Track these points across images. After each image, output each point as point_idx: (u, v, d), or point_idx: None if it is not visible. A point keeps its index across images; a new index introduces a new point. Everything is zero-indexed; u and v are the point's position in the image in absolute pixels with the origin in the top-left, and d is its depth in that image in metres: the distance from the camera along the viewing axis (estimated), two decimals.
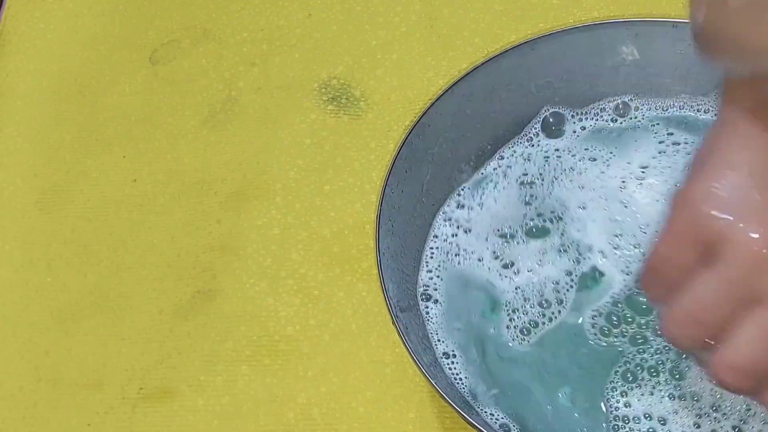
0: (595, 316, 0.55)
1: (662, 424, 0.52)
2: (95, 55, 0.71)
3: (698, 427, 0.51)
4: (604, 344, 0.54)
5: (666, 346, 0.53)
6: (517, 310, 0.56)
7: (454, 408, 0.49)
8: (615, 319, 0.55)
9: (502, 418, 0.52)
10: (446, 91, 0.59)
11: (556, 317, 0.56)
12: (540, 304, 0.56)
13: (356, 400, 0.58)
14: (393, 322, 0.52)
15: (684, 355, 0.53)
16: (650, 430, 0.51)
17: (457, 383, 0.54)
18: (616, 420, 0.52)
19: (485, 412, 0.52)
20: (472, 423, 0.49)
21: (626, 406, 0.52)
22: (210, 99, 0.69)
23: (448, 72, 0.68)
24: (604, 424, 0.52)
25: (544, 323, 0.55)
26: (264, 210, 0.64)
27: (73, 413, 0.58)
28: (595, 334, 0.55)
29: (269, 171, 0.66)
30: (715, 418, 0.51)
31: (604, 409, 0.52)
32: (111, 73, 0.71)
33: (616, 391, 0.53)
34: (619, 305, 0.55)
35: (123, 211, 0.65)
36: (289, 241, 0.63)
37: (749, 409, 0.51)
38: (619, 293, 0.55)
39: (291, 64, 0.70)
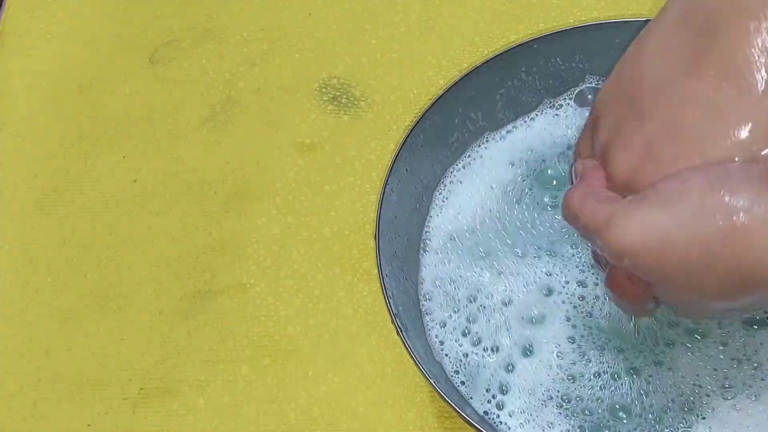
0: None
1: None
2: (95, 55, 0.71)
3: None
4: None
5: None
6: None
7: (454, 408, 0.49)
8: None
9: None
10: (446, 91, 0.59)
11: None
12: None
13: (356, 400, 0.58)
14: (393, 322, 0.52)
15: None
16: None
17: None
18: None
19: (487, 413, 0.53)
20: (472, 423, 0.49)
21: None
22: (210, 99, 0.69)
23: (448, 72, 0.68)
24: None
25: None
26: (264, 210, 0.64)
27: (73, 413, 0.58)
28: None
29: (269, 171, 0.66)
30: None
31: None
32: (111, 73, 0.71)
33: None
34: None
35: (123, 211, 0.65)
36: (289, 241, 0.63)
37: None
38: None
39: (291, 64, 0.70)
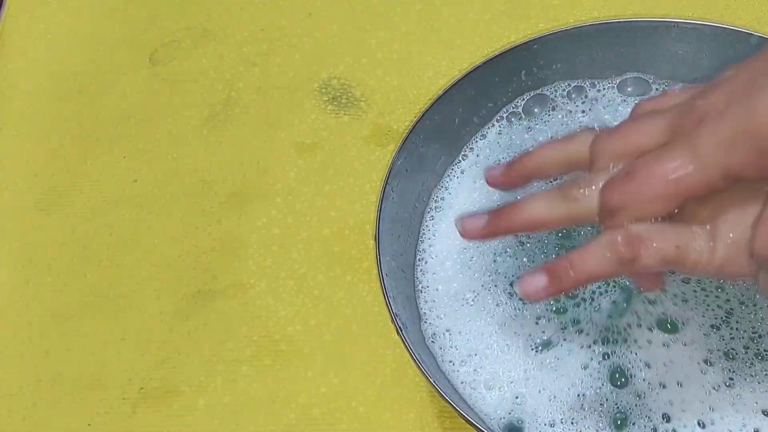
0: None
1: None
2: (95, 55, 0.71)
3: None
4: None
5: None
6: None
7: (454, 408, 0.49)
8: None
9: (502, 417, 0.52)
10: (446, 91, 0.59)
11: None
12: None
13: (356, 401, 0.58)
14: (393, 322, 0.52)
15: None
16: None
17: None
18: None
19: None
20: (472, 423, 0.49)
21: None
22: (210, 99, 0.69)
23: (448, 72, 0.68)
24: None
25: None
26: (264, 210, 0.64)
27: (73, 413, 0.58)
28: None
29: (269, 171, 0.66)
30: None
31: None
32: (111, 73, 0.71)
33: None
34: None
35: (123, 211, 0.65)
36: (289, 241, 0.63)
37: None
38: None
39: (291, 64, 0.70)
